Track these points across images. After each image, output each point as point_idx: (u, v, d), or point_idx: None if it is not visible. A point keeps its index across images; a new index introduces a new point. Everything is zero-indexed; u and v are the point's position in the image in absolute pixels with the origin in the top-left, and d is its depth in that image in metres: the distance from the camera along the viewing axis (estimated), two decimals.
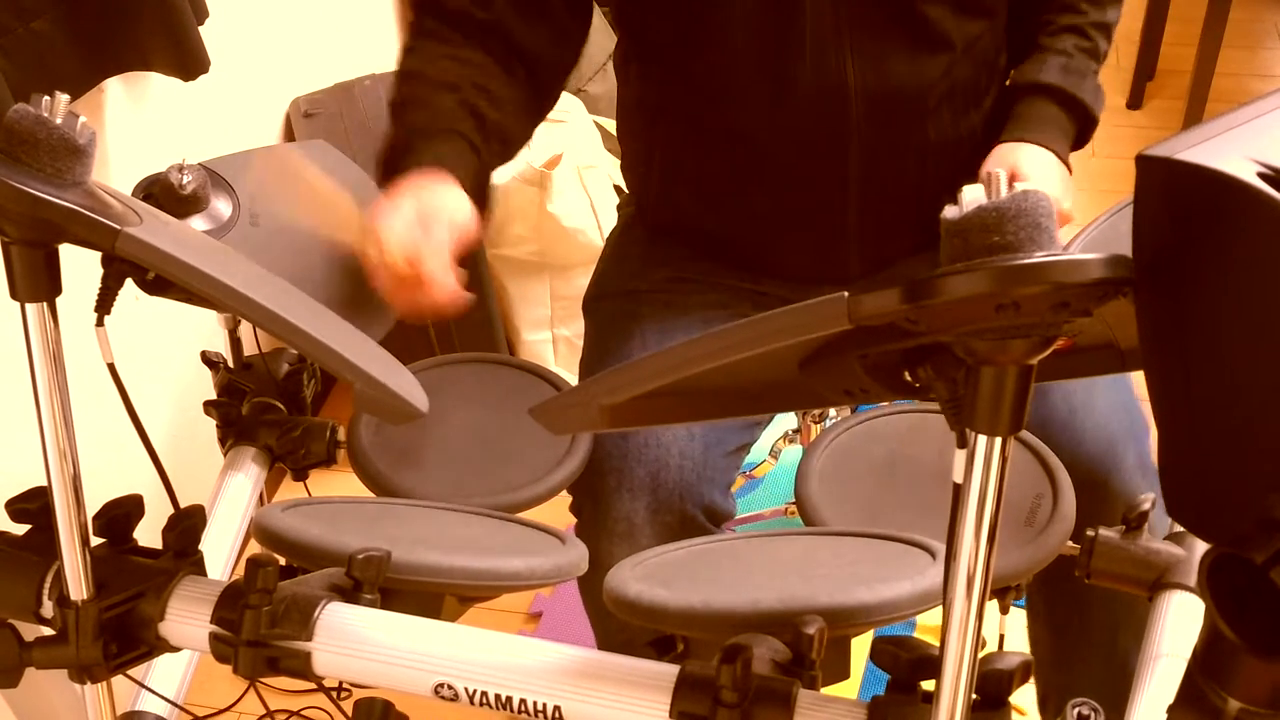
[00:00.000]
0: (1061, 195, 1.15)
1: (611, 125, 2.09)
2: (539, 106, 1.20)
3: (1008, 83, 1.23)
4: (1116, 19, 1.23)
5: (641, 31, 1.20)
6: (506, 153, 1.14)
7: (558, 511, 1.13)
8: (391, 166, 1.04)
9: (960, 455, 0.58)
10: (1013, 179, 1.07)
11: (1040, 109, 1.17)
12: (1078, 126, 1.19)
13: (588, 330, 1.31)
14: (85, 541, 0.77)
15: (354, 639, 0.73)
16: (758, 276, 1.27)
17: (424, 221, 0.96)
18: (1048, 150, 1.15)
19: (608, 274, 1.33)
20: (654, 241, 1.31)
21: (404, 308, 0.98)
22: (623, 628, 1.11)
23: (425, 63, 1.13)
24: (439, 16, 1.15)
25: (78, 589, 0.77)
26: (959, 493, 0.58)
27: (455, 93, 1.09)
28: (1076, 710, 0.71)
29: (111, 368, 0.85)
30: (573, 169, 2.06)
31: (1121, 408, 1.12)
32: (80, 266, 0.82)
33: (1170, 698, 0.62)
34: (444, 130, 1.06)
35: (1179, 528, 0.97)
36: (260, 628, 0.73)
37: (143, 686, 0.91)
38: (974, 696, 0.63)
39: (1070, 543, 0.97)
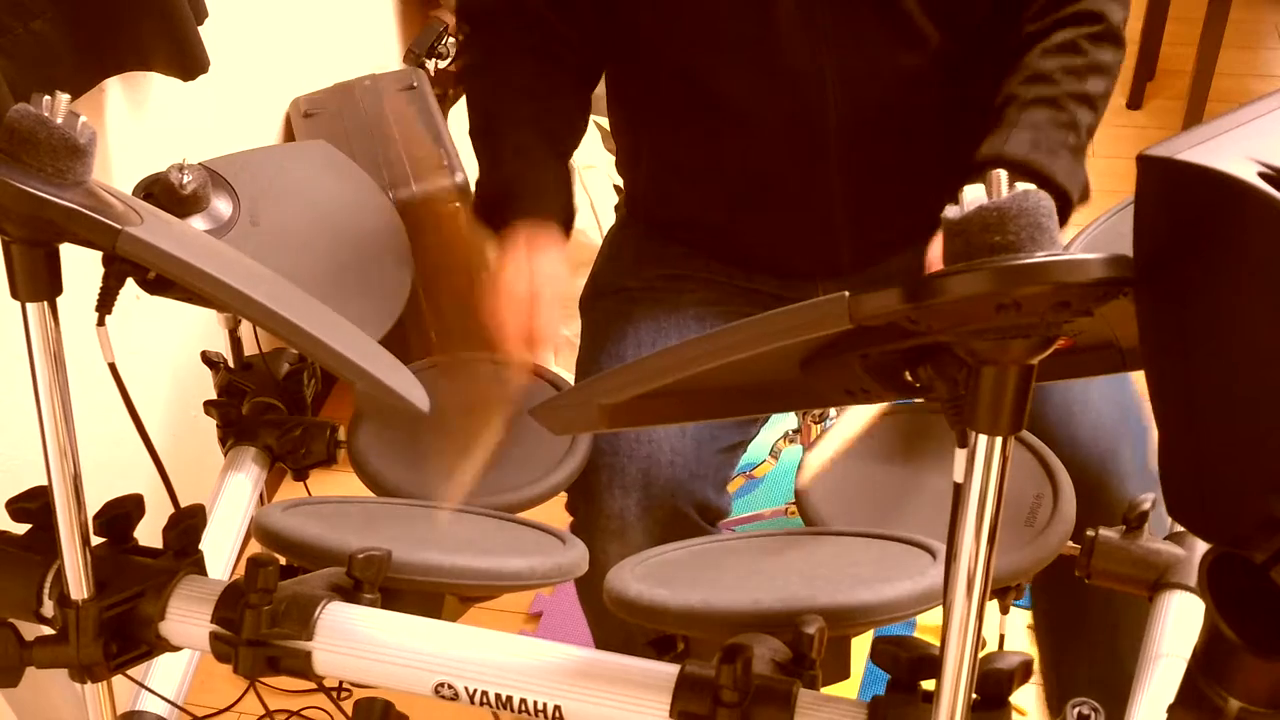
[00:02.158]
0: None
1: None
2: (586, 104, 1.25)
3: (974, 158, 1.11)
4: (1102, 90, 1.09)
5: (624, 22, 1.21)
6: (571, 155, 1.23)
7: (558, 511, 1.13)
8: (496, 217, 1.13)
9: (960, 455, 0.58)
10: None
11: None
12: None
13: (584, 329, 1.31)
14: (86, 541, 0.77)
15: (354, 639, 0.73)
16: (750, 272, 1.27)
17: (536, 302, 1.08)
18: None
19: (602, 272, 1.34)
20: (647, 239, 1.32)
21: (511, 354, 1.10)
22: (621, 626, 1.11)
23: (500, 97, 1.19)
24: (487, 26, 1.21)
25: (78, 588, 0.77)
26: (959, 493, 0.58)
27: (537, 128, 1.17)
28: (1076, 710, 0.71)
29: (112, 367, 0.85)
30: (573, 169, 2.05)
31: (1121, 407, 1.12)
32: (81, 266, 0.82)
33: (1170, 698, 0.62)
34: (546, 183, 1.15)
35: (1179, 528, 0.97)
36: (260, 627, 0.73)
37: (143, 686, 0.91)
38: (974, 696, 0.63)
39: (1070, 543, 0.97)
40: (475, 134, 1.20)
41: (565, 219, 1.16)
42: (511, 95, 1.19)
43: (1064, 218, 1.06)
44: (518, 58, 1.20)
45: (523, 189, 1.14)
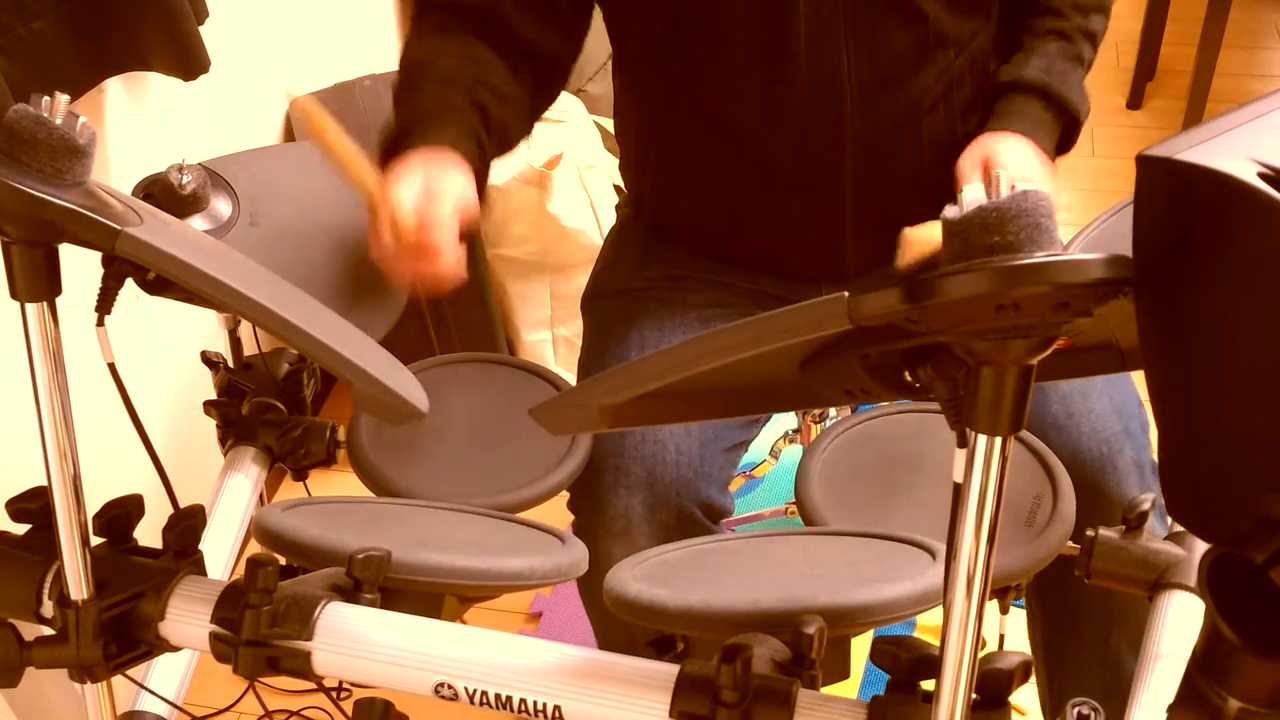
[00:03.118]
0: (1040, 185, 1.14)
1: (611, 125, 2.09)
2: (540, 102, 1.20)
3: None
4: (1102, 28, 1.22)
5: (636, 26, 1.20)
6: (506, 147, 1.14)
7: (558, 511, 1.13)
8: (395, 145, 1.04)
9: (960, 455, 0.58)
10: (988, 168, 1.08)
11: (1022, 105, 1.16)
12: (1062, 124, 1.18)
13: (586, 330, 1.31)
14: (85, 541, 0.77)
15: (354, 639, 0.73)
16: (755, 275, 1.27)
17: (431, 195, 0.97)
18: (1027, 141, 1.14)
19: (605, 273, 1.33)
20: (651, 240, 1.31)
21: (406, 277, 0.99)
22: (623, 626, 1.11)
23: (430, 55, 1.12)
24: (443, 9, 1.15)
25: (78, 589, 0.77)
26: (959, 493, 0.58)
27: (460, 84, 1.09)
28: (1076, 710, 0.71)
29: (112, 368, 0.85)
30: (573, 169, 2.06)
31: (1121, 407, 1.12)
32: (80, 266, 0.82)
33: (1170, 698, 0.62)
34: (450, 117, 1.06)
35: (1179, 528, 0.97)
36: (260, 627, 0.73)
37: (142, 687, 0.91)
38: (974, 696, 0.63)
39: (1070, 543, 0.97)
40: (396, 92, 1.11)
41: (476, 159, 1.05)
42: (446, 55, 1.11)
43: (1074, 138, 1.20)
44: (467, 37, 1.13)
45: (426, 124, 1.05)
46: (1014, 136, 1.14)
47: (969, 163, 1.13)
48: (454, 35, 1.13)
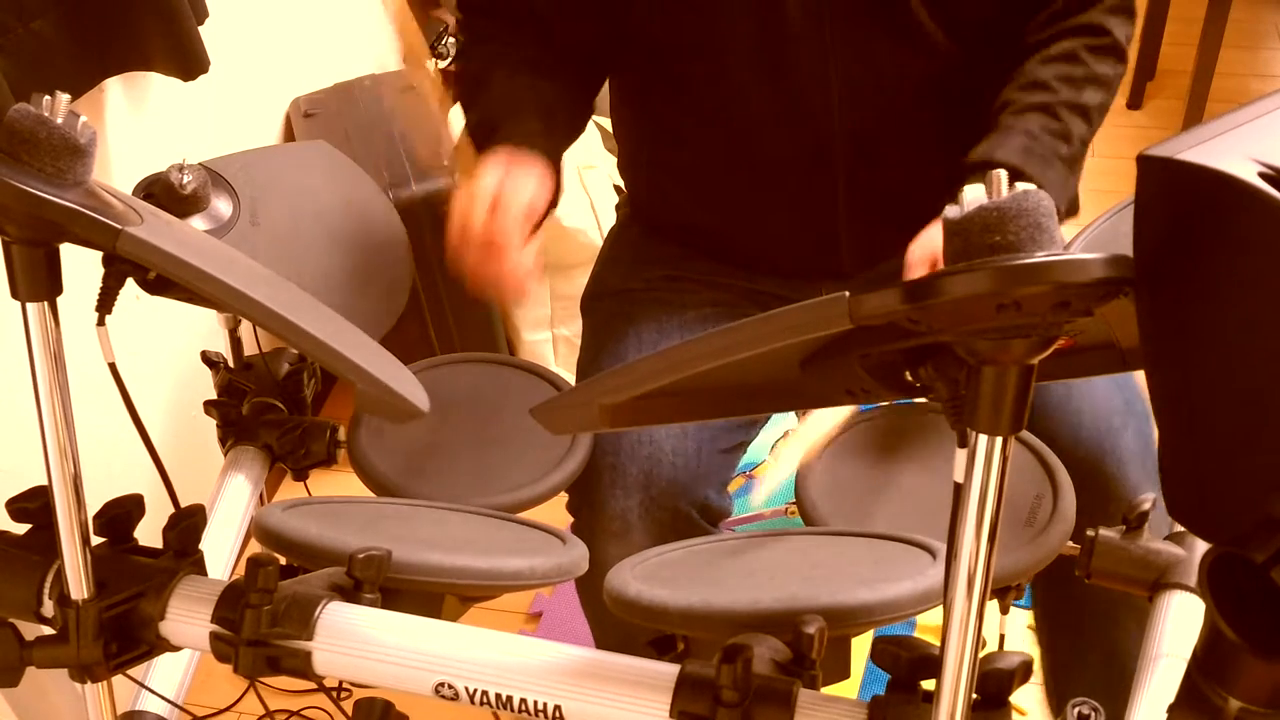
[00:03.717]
0: None
1: (610, 125, 2.09)
2: (588, 101, 1.24)
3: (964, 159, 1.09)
4: (1098, 103, 1.09)
5: (630, 29, 1.21)
6: (568, 144, 1.19)
7: (558, 511, 1.13)
8: (483, 138, 1.10)
9: (961, 455, 0.58)
10: (935, 264, 1.02)
11: None
12: None
13: (585, 330, 1.31)
14: (86, 541, 0.77)
15: (354, 638, 0.73)
16: (752, 274, 1.27)
17: (507, 194, 1.02)
18: None
19: (604, 274, 1.34)
20: (649, 240, 1.32)
21: (474, 275, 1.04)
22: (620, 625, 1.11)
23: (490, 63, 1.17)
24: (491, 15, 1.20)
25: (78, 588, 0.77)
26: (959, 493, 0.58)
27: (529, 86, 1.14)
28: (1076, 710, 0.71)
29: (112, 367, 0.85)
30: (573, 169, 2.06)
31: (1121, 408, 1.12)
32: (81, 266, 0.82)
33: (1170, 698, 0.62)
34: (526, 113, 1.11)
35: (1179, 528, 0.97)
36: (260, 627, 0.73)
37: (143, 686, 0.91)
38: (974, 696, 0.63)
39: (1070, 543, 0.97)
40: (463, 92, 1.17)
41: (550, 153, 1.11)
42: (505, 62, 1.17)
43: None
44: (519, 41, 1.18)
45: (507, 117, 1.11)
46: None
47: (918, 253, 1.05)
48: (507, 42, 1.18)
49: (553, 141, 1.12)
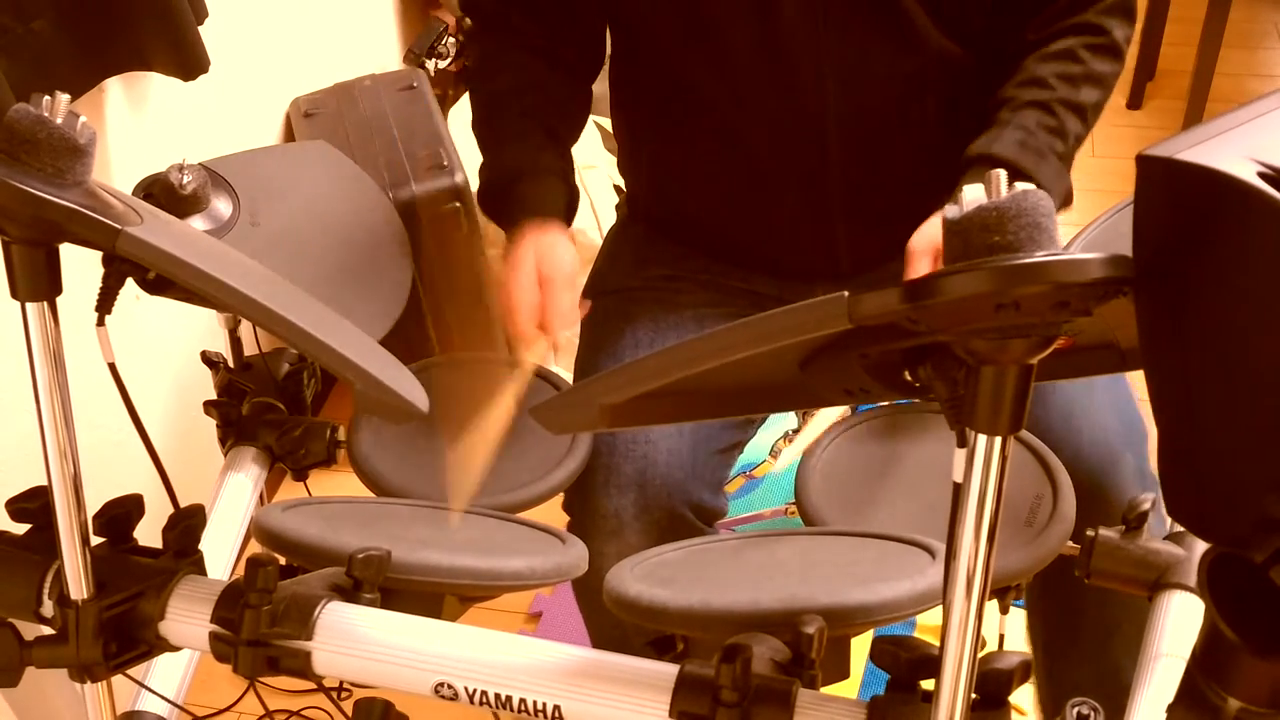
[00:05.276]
0: None
1: (610, 124, 2.09)
2: (586, 100, 1.28)
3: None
4: (1095, 101, 1.10)
5: (626, 27, 1.22)
6: (571, 144, 1.25)
7: (558, 511, 1.13)
8: (499, 206, 1.17)
9: (960, 455, 0.58)
10: (938, 256, 1.05)
11: None
12: None
13: (582, 329, 1.31)
14: (85, 541, 0.77)
15: (354, 638, 0.73)
16: (749, 274, 1.27)
17: (547, 286, 1.09)
18: None
19: (602, 272, 1.34)
20: (648, 240, 1.32)
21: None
22: (616, 623, 1.11)
23: (497, 78, 1.22)
24: (495, 30, 1.24)
25: (78, 588, 0.77)
26: (959, 493, 0.58)
27: (537, 119, 1.19)
28: (1076, 710, 0.71)
29: (112, 367, 0.85)
30: (576, 168, 2.05)
31: (1121, 408, 1.12)
32: (80, 266, 0.82)
33: (1170, 698, 0.62)
34: (543, 171, 1.17)
35: (1179, 528, 0.97)
36: (260, 627, 0.73)
37: (143, 686, 0.91)
38: (974, 696, 0.63)
39: (1070, 543, 0.97)
40: (477, 124, 1.23)
41: (568, 206, 1.18)
42: (514, 88, 1.21)
43: None
44: (522, 54, 1.22)
45: (525, 180, 1.16)
46: None
47: (920, 245, 1.06)
48: (513, 54, 1.22)
49: (566, 187, 1.18)
